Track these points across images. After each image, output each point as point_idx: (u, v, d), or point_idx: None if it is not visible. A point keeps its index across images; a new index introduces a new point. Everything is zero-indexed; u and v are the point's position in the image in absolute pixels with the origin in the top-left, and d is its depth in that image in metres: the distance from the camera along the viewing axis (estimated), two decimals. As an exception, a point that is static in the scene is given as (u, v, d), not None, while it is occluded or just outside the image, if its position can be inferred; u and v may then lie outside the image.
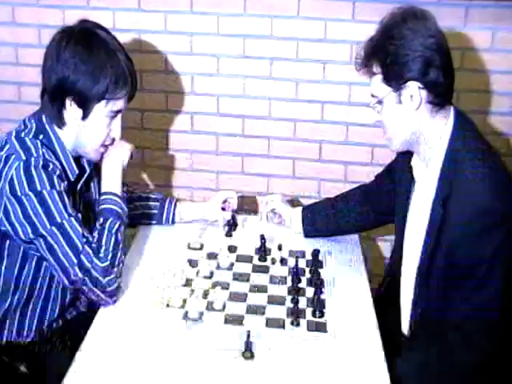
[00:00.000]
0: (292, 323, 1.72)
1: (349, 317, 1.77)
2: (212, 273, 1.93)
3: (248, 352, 1.58)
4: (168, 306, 1.76)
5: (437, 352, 1.68)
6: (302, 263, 1.98)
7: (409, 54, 1.65)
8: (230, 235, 2.17)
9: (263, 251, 2.03)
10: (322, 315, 1.76)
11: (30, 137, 1.80)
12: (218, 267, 1.97)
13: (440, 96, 1.70)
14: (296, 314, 1.74)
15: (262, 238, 2.05)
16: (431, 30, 1.68)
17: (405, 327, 1.87)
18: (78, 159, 1.89)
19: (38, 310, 1.88)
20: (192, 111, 3.06)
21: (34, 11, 3.00)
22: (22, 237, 1.73)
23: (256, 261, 2.02)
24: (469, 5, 2.74)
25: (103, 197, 1.84)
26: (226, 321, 1.72)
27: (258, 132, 3.04)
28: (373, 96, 1.76)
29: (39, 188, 1.71)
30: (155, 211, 2.19)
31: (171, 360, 1.58)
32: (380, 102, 1.74)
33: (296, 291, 1.82)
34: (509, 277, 1.63)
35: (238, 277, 1.93)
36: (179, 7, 2.92)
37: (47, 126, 1.83)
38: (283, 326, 1.71)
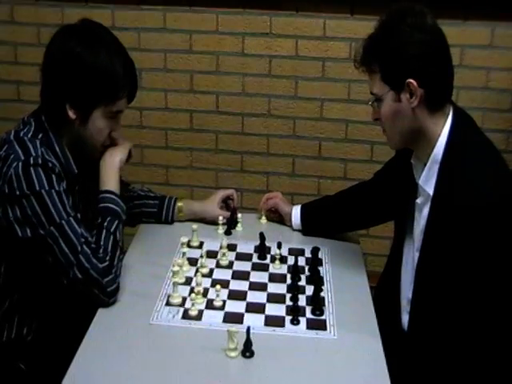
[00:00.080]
0: (292, 321, 1.72)
1: (348, 314, 1.77)
2: (211, 271, 1.93)
3: (247, 350, 1.58)
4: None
5: (436, 348, 1.68)
6: (301, 261, 1.98)
7: (407, 52, 1.65)
8: (230, 233, 2.17)
9: (263, 249, 2.03)
10: (321, 313, 1.76)
11: (29, 136, 1.79)
12: (218, 265, 1.97)
13: (439, 93, 1.70)
14: (296, 312, 1.74)
15: (262, 235, 2.05)
16: (430, 27, 1.68)
17: (404, 323, 1.87)
18: (77, 158, 1.89)
19: (37, 310, 1.88)
20: (191, 109, 3.06)
21: (33, 10, 3.00)
22: (21, 237, 1.73)
23: (255, 259, 2.02)
24: (468, 2, 2.74)
25: (101, 195, 1.84)
26: (226, 319, 1.72)
27: (258, 130, 3.04)
28: (372, 94, 1.76)
29: (38, 188, 1.71)
30: (154, 210, 2.18)
31: (171, 359, 1.58)
32: (379, 100, 1.73)
33: (295, 289, 1.82)
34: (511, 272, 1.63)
35: (238, 275, 1.93)
36: (178, 5, 2.92)
37: (46, 125, 1.82)
38: (283, 324, 1.71)
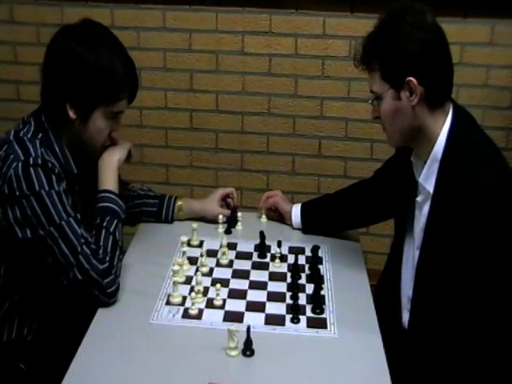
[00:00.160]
0: (292, 320, 1.72)
1: (349, 313, 1.77)
2: (211, 270, 1.93)
3: (248, 349, 1.58)
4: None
5: (436, 346, 1.68)
6: (301, 259, 1.98)
7: (407, 50, 1.65)
8: (230, 232, 2.17)
9: (263, 248, 2.03)
10: (321, 311, 1.76)
11: (29, 136, 1.79)
12: (218, 264, 1.97)
13: (439, 91, 1.69)
14: (296, 311, 1.74)
15: (262, 234, 2.05)
16: (430, 24, 1.67)
17: (404, 322, 1.87)
18: (76, 158, 1.88)
19: (38, 311, 1.88)
20: (191, 108, 3.06)
21: (33, 9, 3.00)
22: (21, 237, 1.72)
23: (255, 258, 2.02)
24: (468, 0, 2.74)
25: (100, 195, 1.84)
26: (226, 318, 1.72)
27: (257, 129, 3.04)
28: (372, 92, 1.76)
29: (38, 188, 1.70)
30: (154, 209, 2.18)
31: (171, 358, 1.58)
32: (379, 98, 1.73)
33: (296, 288, 1.82)
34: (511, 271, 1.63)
35: (238, 274, 1.93)
36: (178, 4, 2.92)
37: (46, 125, 1.82)
38: (283, 323, 1.71)
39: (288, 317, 1.74)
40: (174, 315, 1.73)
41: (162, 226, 2.19)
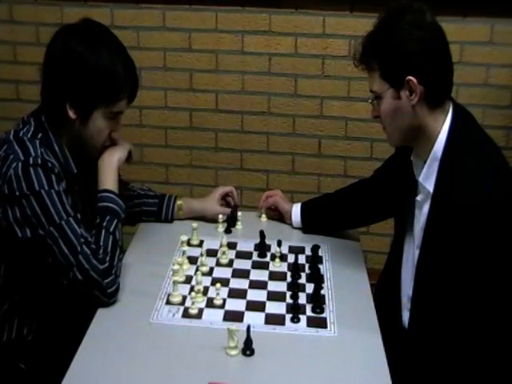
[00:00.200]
0: (292, 319, 1.72)
1: (349, 312, 1.77)
2: (211, 269, 1.93)
3: (248, 349, 1.58)
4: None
5: (437, 345, 1.68)
6: (301, 259, 1.98)
7: (407, 49, 1.65)
8: (230, 231, 2.16)
9: (263, 247, 2.03)
10: (321, 311, 1.76)
11: (29, 136, 1.79)
12: (218, 264, 1.97)
13: (439, 90, 1.69)
14: (296, 310, 1.74)
15: (262, 234, 2.04)
16: (429, 23, 1.68)
17: (404, 321, 1.87)
18: (76, 158, 1.88)
19: (38, 310, 1.88)
20: (191, 108, 3.06)
21: (32, 9, 3.00)
22: (21, 237, 1.72)
23: (255, 257, 2.02)
24: (467, -2, 2.74)
25: (99, 194, 1.84)
26: (226, 317, 1.72)
27: (257, 128, 3.04)
28: (371, 91, 1.76)
29: (37, 188, 1.70)
30: (154, 208, 2.18)
31: (171, 358, 1.58)
32: (379, 98, 1.73)
33: (296, 287, 1.82)
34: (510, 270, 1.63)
35: (238, 273, 1.93)
36: (177, 4, 2.92)
37: (46, 125, 1.82)
38: (283, 323, 1.71)
39: (288, 316, 1.74)
40: (174, 315, 1.73)
41: (161, 225, 2.18)
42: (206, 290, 1.82)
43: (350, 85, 2.92)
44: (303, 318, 1.73)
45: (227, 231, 2.16)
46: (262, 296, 1.82)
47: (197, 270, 1.90)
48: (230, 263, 1.98)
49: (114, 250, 1.78)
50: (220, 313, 1.74)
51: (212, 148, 3.10)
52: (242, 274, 1.93)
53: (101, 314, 1.73)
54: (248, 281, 1.89)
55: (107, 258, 1.75)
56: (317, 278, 1.87)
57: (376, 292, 1.98)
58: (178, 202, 2.19)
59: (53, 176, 1.74)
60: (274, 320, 1.72)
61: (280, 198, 2.26)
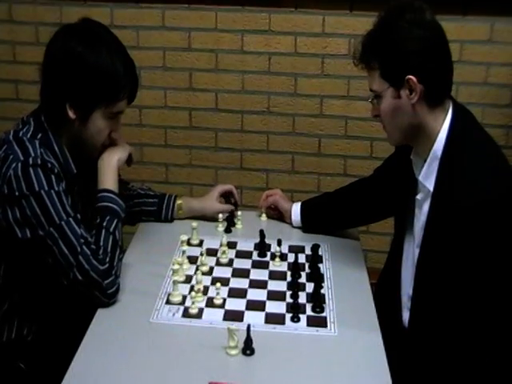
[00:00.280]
0: (292, 319, 1.72)
1: (349, 311, 1.77)
2: (211, 269, 1.93)
3: (248, 348, 1.58)
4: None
5: (437, 344, 1.68)
6: (301, 258, 1.97)
7: (406, 48, 1.64)
8: (230, 231, 2.16)
9: (263, 247, 2.03)
10: (321, 310, 1.76)
11: (28, 136, 1.78)
12: (218, 263, 1.97)
13: (438, 89, 1.69)
14: (296, 310, 1.74)
15: (262, 233, 2.04)
16: (429, 22, 1.67)
17: (405, 320, 1.87)
18: (76, 158, 1.88)
19: (38, 311, 1.88)
20: (190, 107, 3.06)
21: (31, 9, 3.00)
22: (21, 237, 1.72)
23: (255, 256, 2.02)
24: (467, -3, 2.74)
25: (99, 194, 1.84)
26: (226, 317, 1.72)
27: (257, 127, 3.04)
28: (371, 90, 1.75)
29: (37, 188, 1.70)
30: (154, 208, 2.18)
31: (171, 357, 1.57)
32: (379, 97, 1.73)
33: (296, 286, 1.82)
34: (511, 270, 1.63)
35: (238, 273, 1.92)
36: (177, 3, 2.92)
37: (46, 125, 1.82)
38: (283, 322, 1.71)
39: (288, 315, 1.73)
40: (174, 314, 1.73)
41: (161, 225, 2.18)
42: (206, 290, 1.81)
43: (349, 84, 2.92)
44: (303, 317, 1.73)
45: (227, 230, 2.16)
46: (262, 295, 1.82)
47: (197, 269, 1.90)
48: (230, 263, 1.98)
49: (114, 250, 1.78)
50: (220, 312, 1.74)
51: (212, 147, 3.09)
52: (241, 273, 1.93)
53: (101, 313, 1.72)
54: (248, 280, 1.89)
55: (107, 259, 1.75)
56: (317, 278, 1.87)
57: (376, 291, 1.98)
58: (178, 202, 2.19)
59: (52, 176, 1.73)
60: (274, 319, 1.72)
61: (280, 197, 2.26)
